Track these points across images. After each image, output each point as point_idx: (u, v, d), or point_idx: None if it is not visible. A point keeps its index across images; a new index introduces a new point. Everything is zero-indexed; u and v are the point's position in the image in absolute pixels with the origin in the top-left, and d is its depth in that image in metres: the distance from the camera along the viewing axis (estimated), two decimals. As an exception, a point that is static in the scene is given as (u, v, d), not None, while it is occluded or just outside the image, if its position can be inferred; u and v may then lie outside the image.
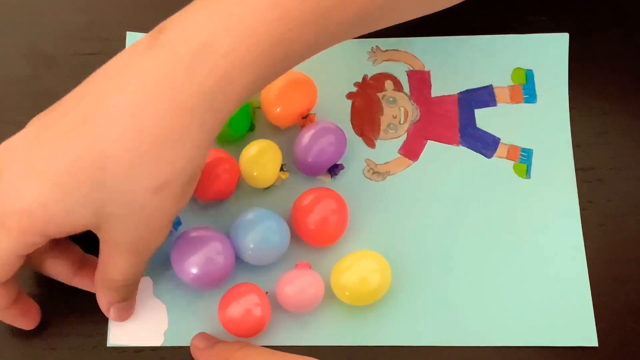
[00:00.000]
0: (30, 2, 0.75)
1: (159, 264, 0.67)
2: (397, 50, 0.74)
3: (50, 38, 0.74)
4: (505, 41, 0.74)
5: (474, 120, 0.71)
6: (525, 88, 0.72)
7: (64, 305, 0.67)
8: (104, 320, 0.66)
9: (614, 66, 0.73)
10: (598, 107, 0.72)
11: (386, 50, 0.73)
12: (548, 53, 0.73)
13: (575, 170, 0.70)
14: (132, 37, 0.73)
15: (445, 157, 0.70)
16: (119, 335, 0.66)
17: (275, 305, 0.65)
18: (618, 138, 0.71)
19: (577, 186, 0.69)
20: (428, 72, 0.73)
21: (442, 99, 0.72)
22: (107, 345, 0.65)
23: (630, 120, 0.72)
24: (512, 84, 0.72)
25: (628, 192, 0.69)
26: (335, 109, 0.72)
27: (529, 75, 0.73)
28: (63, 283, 0.66)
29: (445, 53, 0.73)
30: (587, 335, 0.65)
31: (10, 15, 0.75)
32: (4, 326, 0.65)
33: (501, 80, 0.73)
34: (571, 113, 0.71)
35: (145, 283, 0.67)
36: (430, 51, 0.74)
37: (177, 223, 0.67)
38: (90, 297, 0.66)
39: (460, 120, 0.71)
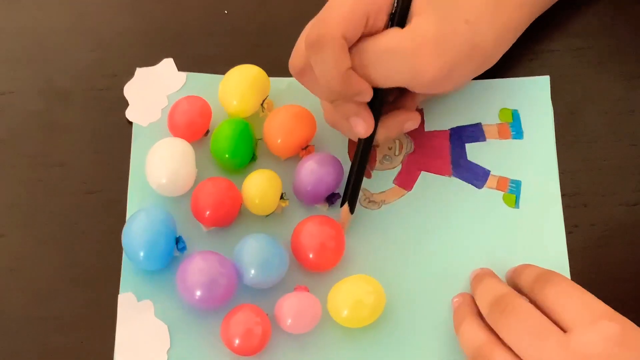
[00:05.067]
0: (45, 40, 0.78)
1: (159, 287, 0.69)
2: (392, 90, 0.76)
3: (63, 74, 0.77)
4: (491, 84, 0.76)
5: (465, 153, 0.74)
6: (512, 126, 0.75)
7: (70, 328, 0.69)
8: (109, 343, 0.68)
9: (597, 101, 0.76)
10: (582, 135, 0.75)
11: (382, 90, 0.76)
12: (531, 94, 0.76)
13: (561, 195, 0.72)
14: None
15: (438, 187, 0.73)
16: (124, 357, 0.67)
17: (274, 326, 0.67)
18: (601, 164, 0.74)
19: (563, 211, 0.72)
20: (421, 110, 0.75)
21: (435, 133, 0.75)
22: (113, 366, 0.67)
23: (613, 148, 0.74)
24: (499, 122, 0.75)
25: (611, 217, 0.72)
26: (333, 141, 0.74)
27: (515, 115, 0.75)
28: (67, 308, 0.69)
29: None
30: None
31: (26, 52, 0.78)
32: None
33: (489, 119, 0.75)
34: (556, 141, 0.74)
35: (146, 305, 0.69)
36: (423, 92, 0.76)
37: (182, 248, 0.69)
38: (95, 321, 0.68)
39: (452, 153, 0.74)
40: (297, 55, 0.68)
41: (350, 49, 0.65)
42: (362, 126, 0.68)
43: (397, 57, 0.65)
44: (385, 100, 0.70)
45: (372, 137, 0.69)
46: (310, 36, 0.64)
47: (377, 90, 0.67)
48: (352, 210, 0.70)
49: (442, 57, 0.65)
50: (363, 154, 0.69)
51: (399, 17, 0.66)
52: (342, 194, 0.71)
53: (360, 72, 0.65)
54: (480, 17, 0.68)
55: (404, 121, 0.71)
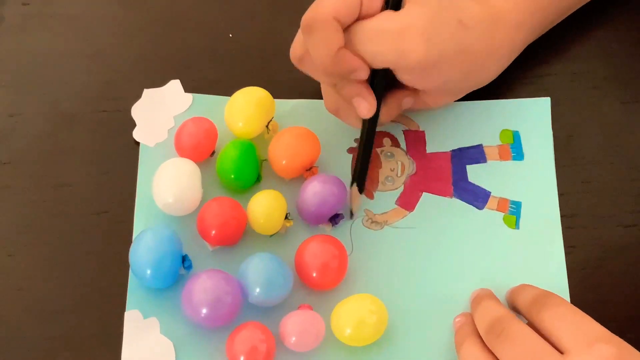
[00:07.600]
0: (51, 63, 0.79)
1: (165, 304, 0.70)
2: (394, 112, 0.77)
3: (70, 96, 0.77)
4: (492, 105, 0.77)
5: (466, 175, 0.75)
6: (513, 147, 0.76)
7: (77, 346, 0.69)
8: (114, 360, 0.69)
9: (595, 123, 0.77)
10: (581, 157, 0.76)
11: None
12: (532, 115, 0.77)
13: (560, 216, 0.73)
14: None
15: (439, 208, 0.74)
16: (130, 374, 0.68)
17: (279, 343, 0.67)
18: (599, 186, 0.75)
19: (562, 232, 0.73)
20: (423, 132, 0.77)
21: (436, 155, 0.76)
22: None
23: (611, 170, 0.75)
24: (500, 143, 0.76)
25: (609, 237, 0.73)
26: (336, 162, 0.75)
27: (515, 136, 0.76)
28: (74, 326, 0.69)
29: (439, 116, 0.77)
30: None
31: (33, 75, 0.78)
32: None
33: (490, 140, 0.76)
34: (555, 163, 0.75)
35: (152, 323, 0.69)
36: (425, 114, 0.77)
37: (188, 266, 0.69)
38: (102, 339, 0.69)
39: (453, 174, 0.75)
40: (297, 44, 0.70)
41: (345, 30, 0.67)
42: (364, 106, 0.69)
43: (383, 36, 0.67)
44: (386, 82, 0.71)
45: (376, 117, 0.70)
46: (304, 19, 0.67)
47: (376, 71, 0.69)
48: (360, 190, 0.72)
49: (429, 43, 0.67)
50: (369, 134, 0.71)
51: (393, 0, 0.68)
52: (345, 215, 0.73)
53: (353, 51, 0.67)
54: (476, 25, 0.70)
55: (401, 98, 0.73)
